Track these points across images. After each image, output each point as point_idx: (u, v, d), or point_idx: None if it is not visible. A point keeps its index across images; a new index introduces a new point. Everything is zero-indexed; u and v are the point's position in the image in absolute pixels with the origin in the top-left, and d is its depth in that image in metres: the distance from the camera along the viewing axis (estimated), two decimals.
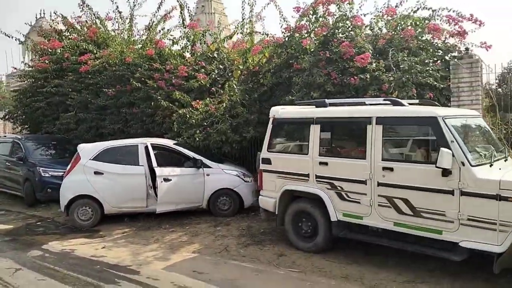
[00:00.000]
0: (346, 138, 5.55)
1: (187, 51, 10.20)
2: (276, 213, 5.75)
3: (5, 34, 12.06)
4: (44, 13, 23.50)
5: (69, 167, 7.48)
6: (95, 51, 10.53)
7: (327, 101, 5.53)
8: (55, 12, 11.73)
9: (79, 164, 7.34)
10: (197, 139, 7.95)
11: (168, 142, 7.93)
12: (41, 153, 10.41)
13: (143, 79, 9.47)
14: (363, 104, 5.46)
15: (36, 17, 23.71)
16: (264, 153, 5.92)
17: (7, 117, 13.10)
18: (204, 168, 7.57)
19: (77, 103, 10.76)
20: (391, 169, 4.61)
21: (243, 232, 6.51)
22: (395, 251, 4.87)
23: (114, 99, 10.23)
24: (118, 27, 12.40)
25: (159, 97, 9.16)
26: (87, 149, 7.52)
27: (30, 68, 12.08)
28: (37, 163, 9.62)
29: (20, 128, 13.61)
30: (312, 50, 7.91)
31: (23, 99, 12.25)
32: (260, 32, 9.19)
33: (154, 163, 7.11)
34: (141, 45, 11.05)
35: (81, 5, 11.44)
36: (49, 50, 11.80)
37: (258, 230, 6.54)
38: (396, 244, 4.71)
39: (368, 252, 5.18)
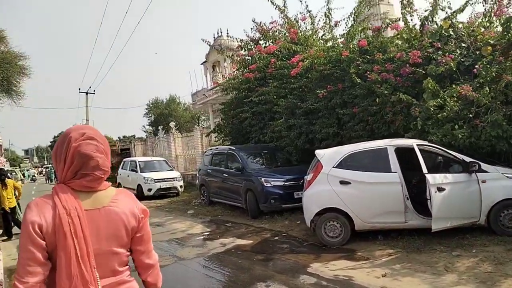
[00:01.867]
0: None
1: (406, 34, 8.71)
2: None
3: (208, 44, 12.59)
4: (221, 32, 25.17)
5: (310, 177, 6.68)
6: (302, 52, 9.91)
7: None
8: (253, 21, 11.64)
9: (322, 173, 6.47)
10: (460, 136, 6.29)
11: (422, 143, 6.43)
12: (256, 163, 10.25)
13: (366, 73, 8.31)
14: None
15: (214, 37, 25.53)
16: None
17: (216, 129, 13.68)
18: (477, 173, 5.84)
19: (284, 110, 10.27)
20: None
21: None
22: None
23: (324, 101, 9.36)
24: (305, 27, 11.79)
25: (385, 91, 7.89)
26: (328, 156, 6.62)
27: (232, 81, 12.25)
28: (257, 173, 9.37)
29: (221, 139, 14.09)
30: None
31: (228, 111, 12.56)
32: None
33: (424, 169, 5.69)
34: (345, 38, 10.03)
35: (281, 8, 11.12)
36: (248, 58, 11.81)
37: None
38: None
39: None
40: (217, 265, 5.92)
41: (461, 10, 8.56)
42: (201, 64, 26.43)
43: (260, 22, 11.64)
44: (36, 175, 49.27)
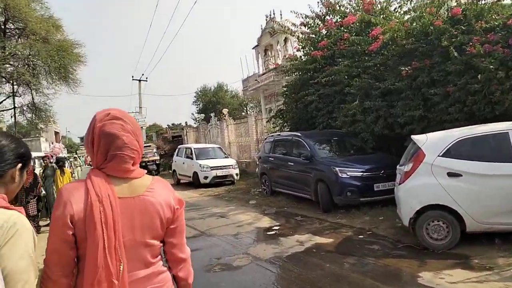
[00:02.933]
0: None
1: None
2: None
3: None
4: (274, 14, 24.09)
5: (408, 167, 5.64)
6: (381, 24, 8.74)
7: None
8: None
9: (424, 162, 5.41)
10: None
11: None
12: (325, 150, 9.28)
13: (462, 46, 7.09)
14: None
15: (266, 20, 24.47)
16: None
17: (277, 114, 12.78)
18: None
19: (357, 91, 9.17)
20: None
21: None
22: None
23: (408, 80, 8.18)
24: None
25: (490, 66, 6.63)
26: (431, 142, 5.53)
27: (294, 61, 11.28)
28: (329, 163, 8.43)
29: (279, 126, 13.18)
30: None
31: (289, 95, 11.63)
32: None
33: None
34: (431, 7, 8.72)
35: None
36: (313, 36, 10.76)
37: None
38: None
39: None
40: (301, 269, 5.07)
41: None
42: (252, 48, 25.51)
43: None
44: None
